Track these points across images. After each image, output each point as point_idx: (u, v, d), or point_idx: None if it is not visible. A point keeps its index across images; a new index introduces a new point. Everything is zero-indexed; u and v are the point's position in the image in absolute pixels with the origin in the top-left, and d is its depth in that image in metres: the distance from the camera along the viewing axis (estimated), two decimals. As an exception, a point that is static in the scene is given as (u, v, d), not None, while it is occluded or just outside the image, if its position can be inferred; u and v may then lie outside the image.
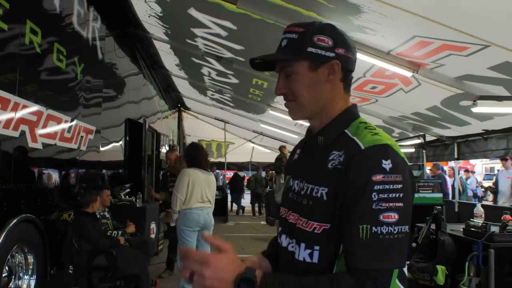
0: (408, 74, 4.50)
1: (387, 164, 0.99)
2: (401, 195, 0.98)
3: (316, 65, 1.13)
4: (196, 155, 4.74)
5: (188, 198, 4.46)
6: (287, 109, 1.20)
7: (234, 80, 8.13)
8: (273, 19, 4.45)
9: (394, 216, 0.96)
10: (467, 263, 2.88)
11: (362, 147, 1.03)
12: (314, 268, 1.07)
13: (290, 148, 9.30)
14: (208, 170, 4.82)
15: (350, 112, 1.17)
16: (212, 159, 12.36)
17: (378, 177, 0.98)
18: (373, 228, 0.96)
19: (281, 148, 10.13)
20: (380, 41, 4.17)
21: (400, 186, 0.98)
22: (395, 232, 0.96)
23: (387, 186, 0.97)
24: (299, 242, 1.11)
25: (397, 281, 1.03)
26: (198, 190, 4.51)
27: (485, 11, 3.02)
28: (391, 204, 0.97)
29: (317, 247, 1.07)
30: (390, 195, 0.97)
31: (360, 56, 4.31)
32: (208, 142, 15.22)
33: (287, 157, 1.44)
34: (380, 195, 0.97)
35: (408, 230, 0.99)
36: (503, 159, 8.08)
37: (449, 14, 3.25)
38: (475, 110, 4.07)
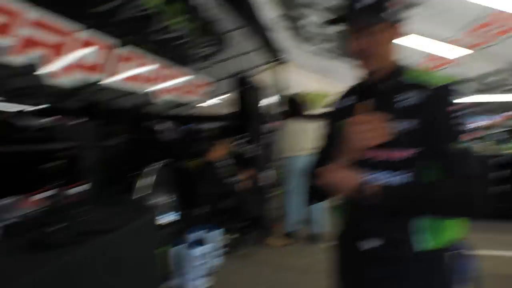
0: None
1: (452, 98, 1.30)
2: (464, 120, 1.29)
3: (391, 25, 1.36)
4: (294, 108, 5.08)
5: (289, 147, 4.83)
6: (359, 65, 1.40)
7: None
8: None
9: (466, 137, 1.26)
10: None
11: (432, 87, 1.30)
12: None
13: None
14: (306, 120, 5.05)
15: (403, 63, 1.42)
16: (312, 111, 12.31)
17: (452, 108, 1.27)
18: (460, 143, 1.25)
19: None
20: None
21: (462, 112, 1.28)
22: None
23: (458, 113, 1.27)
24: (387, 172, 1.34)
25: None
26: (298, 139, 4.80)
27: None
28: (464, 128, 1.27)
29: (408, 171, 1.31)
30: (460, 120, 1.27)
31: None
32: (308, 94, 15.11)
33: None
34: (457, 120, 1.27)
35: None
36: None
37: None
38: None
